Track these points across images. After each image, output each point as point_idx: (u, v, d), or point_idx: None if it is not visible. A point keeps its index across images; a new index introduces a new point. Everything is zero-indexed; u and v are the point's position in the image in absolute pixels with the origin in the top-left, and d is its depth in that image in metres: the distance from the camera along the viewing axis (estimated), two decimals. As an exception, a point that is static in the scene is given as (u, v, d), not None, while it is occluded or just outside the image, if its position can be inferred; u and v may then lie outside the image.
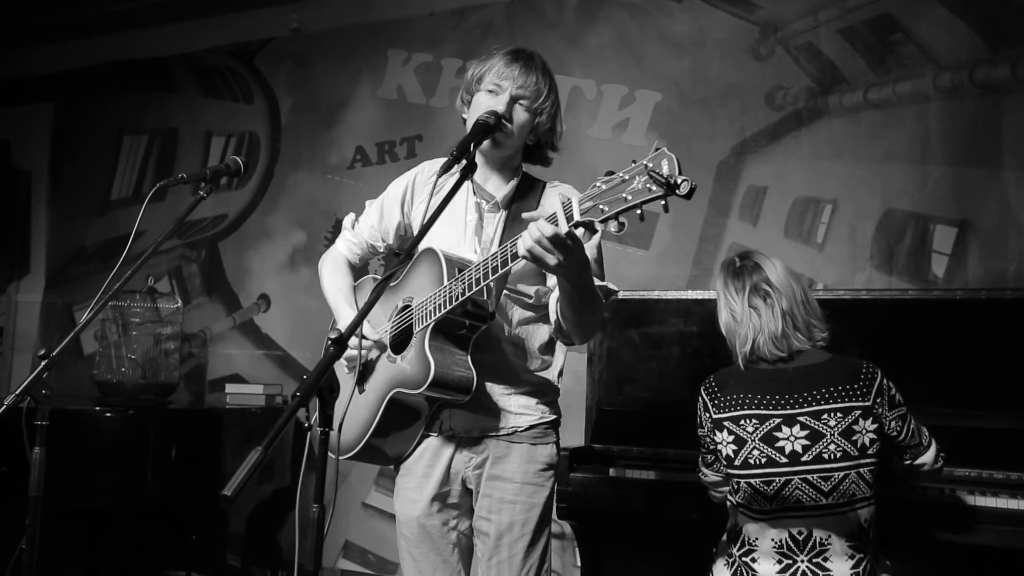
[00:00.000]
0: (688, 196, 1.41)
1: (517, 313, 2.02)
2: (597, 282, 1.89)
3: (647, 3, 3.76)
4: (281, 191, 4.46)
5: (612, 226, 1.50)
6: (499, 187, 2.05)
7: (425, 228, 1.76)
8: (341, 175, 4.30)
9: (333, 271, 2.23)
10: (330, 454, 2.04)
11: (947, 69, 3.24)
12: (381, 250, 2.23)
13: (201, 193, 2.17)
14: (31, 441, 1.88)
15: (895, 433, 2.19)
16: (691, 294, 3.17)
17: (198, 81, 4.74)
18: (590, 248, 1.90)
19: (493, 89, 1.97)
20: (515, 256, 1.67)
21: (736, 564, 2.21)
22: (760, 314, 2.22)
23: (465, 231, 2.03)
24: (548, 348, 2.07)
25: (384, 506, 3.99)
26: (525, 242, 1.61)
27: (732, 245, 3.51)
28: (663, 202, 1.43)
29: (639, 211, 1.45)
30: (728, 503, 2.31)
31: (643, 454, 2.91)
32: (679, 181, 1.40)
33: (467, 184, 2.04)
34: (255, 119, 4.57)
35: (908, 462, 2.25)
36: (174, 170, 4.65)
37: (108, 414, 3.42)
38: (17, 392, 1.82)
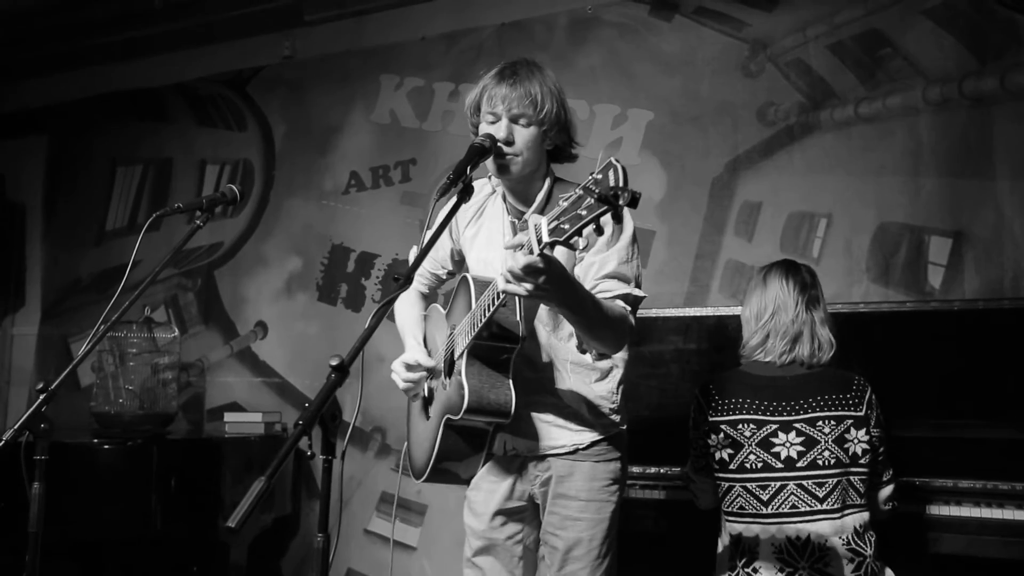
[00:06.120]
0: (632, 205, 1.41)
1: (569, 327, 2.00)
2: (616, 290, 1.91)
3: (636, 23, 3.78)
4: (276, 218, 4.46)
5: (580, 242, 1.51)
6: (531, 203, 2.06)
7: (421, 255, 1.76)
8: (336, 200, 4.30)
9: (403, 303, 2.30)
10: (412, 478, 2.12)
11: (936, 82, 3.27)
12: (444, 277, 2.34)
13: (197, 222, 2.17)
14: (30, 476, 1.87)
15: (871, 447, 2.24)
16: (689, 311, 3.17)
17: (191, 110, 4.75)
18: (619, 250, 1.95)
19: (492, 119, 1.99)
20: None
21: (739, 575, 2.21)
22: (791, 315, 2.30)
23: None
24: (605, 359, 2.07)
25: (387, 532, 3.95)
26: (499, 285, 1.65)
27: (728, 261, 3.51)
28: (610, 214, 1.43)
29: (595, 225, 1.45)
30: (722, 516, 2.31)
31: (646, 473, 2.91)
32: (617, 194, 1.40)
33: (502, 206, 2.10)
34: (249, 147, 4.58)
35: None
36: (169, 200, 4.65)
37: (107, 446, 3.40)
38: (16, 427, 1.81)
